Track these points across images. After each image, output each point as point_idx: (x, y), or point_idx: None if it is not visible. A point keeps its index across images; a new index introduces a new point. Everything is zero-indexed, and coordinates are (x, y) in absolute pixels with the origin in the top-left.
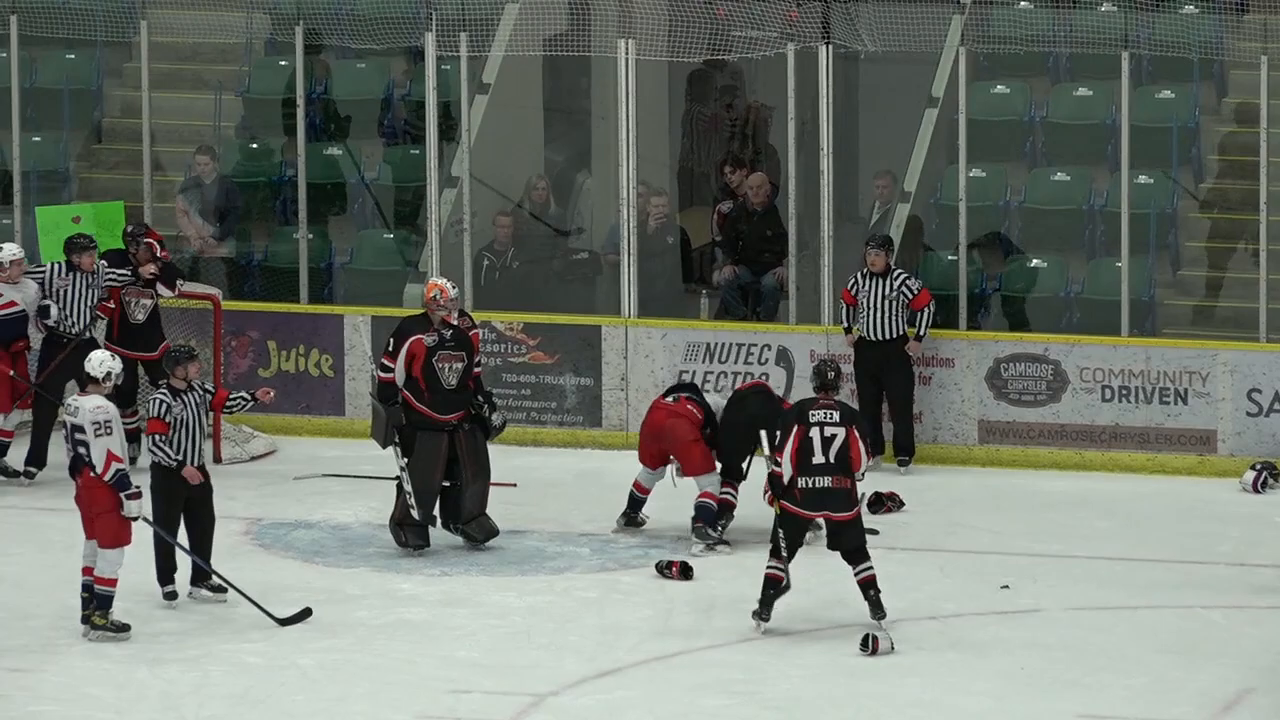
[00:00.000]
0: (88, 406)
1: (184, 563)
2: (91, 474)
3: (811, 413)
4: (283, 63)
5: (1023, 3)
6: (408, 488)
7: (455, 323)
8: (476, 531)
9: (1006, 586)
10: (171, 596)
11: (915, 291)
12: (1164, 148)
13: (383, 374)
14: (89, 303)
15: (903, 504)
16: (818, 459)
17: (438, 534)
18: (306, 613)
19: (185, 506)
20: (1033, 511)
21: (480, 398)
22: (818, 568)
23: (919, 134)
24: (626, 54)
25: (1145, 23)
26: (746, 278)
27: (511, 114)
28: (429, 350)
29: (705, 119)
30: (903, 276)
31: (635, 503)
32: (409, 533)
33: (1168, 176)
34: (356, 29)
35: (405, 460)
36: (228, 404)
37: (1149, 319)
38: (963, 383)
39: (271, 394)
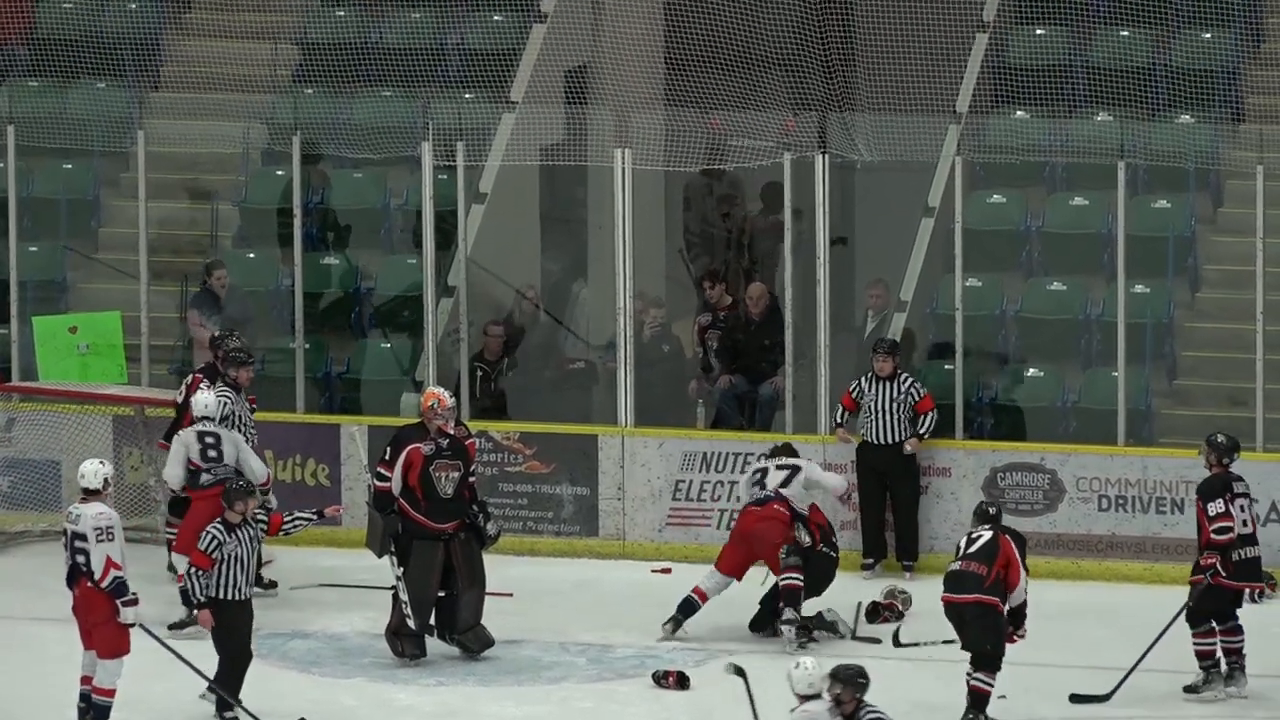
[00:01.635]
0: (90, 514)
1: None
2: (89, 583)
3: (970, 533)
4: (280, 172)
5: (1019, 112)
6: (404, 597)
7: (452, 432)
8: (472, 641)
9: (1003, 697)
10: None
11: (921, 395)
12: (1160, 257)
13: (379, 483)
14: (248, 419)
15: (901, 614)
16: (959, 554)
17: (434, 644)
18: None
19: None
20: (1029, 621)
21: (475, 507)
22: None
23: (915, 243)
24: (623, 164)
25: (1141, 132)
26: (743, 387)
27: (508, 223)
28: (426, 459)
29: (717, 230)
30: (910, 380)
31: (690, 608)
32: (405, 642)
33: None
34: (353, 139)
35: (401, 570)
36: (284, 527)
37: (1146, 428)
38: (959, 492)
39: (340, 510)
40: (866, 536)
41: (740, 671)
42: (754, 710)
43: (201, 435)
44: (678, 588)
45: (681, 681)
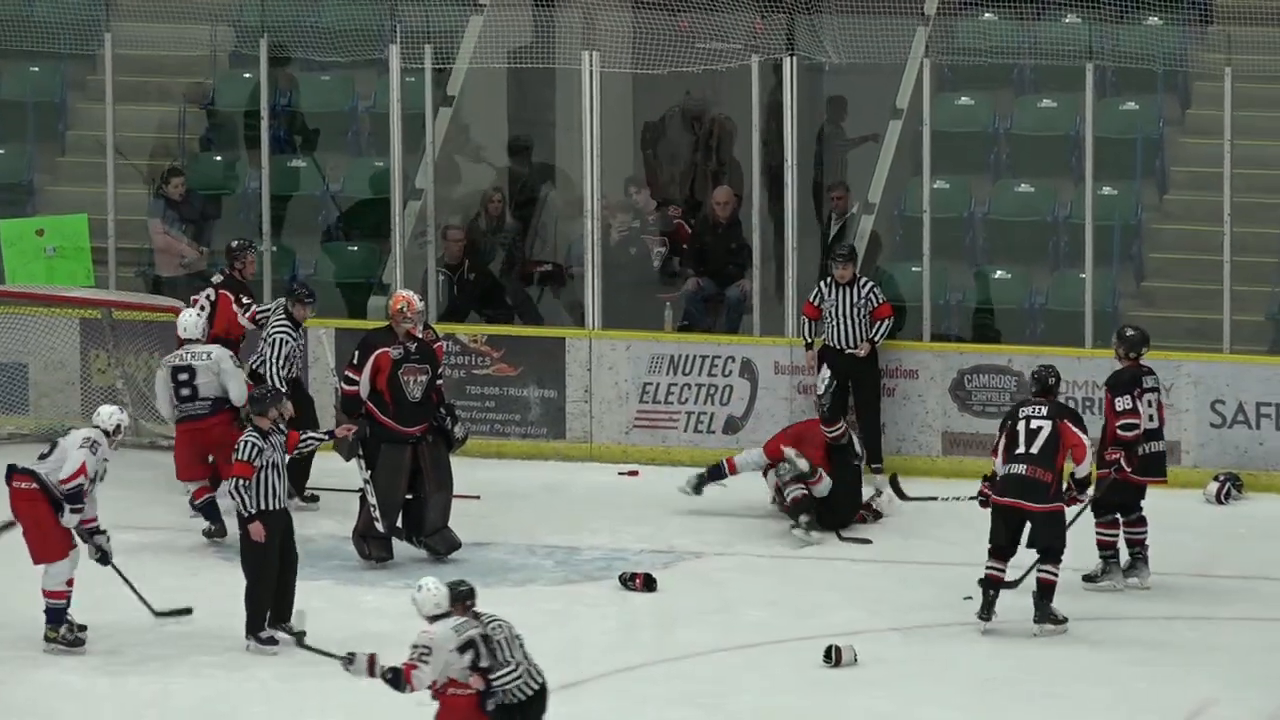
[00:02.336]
0: (82, 432)
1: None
2: (19, 484)
3: (1021, 409)
4: (247, 75)
5: (987, 14)
6: (371, 500)
7: (420, 335)
8: (439, 544)
9: (970, 598)
10: (270, 642)
11: (880, 301)
12: (1128, 159)
13: (347, 386)
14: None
15: (879, 514)
16: (1020, 449)
17: (401, 547)
18: (187, 611)
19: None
20: None
21: (443, 410)
22: (784, 578)
23: (883, 145)
24: (591, 66)
25: (1109, 34)
26: (711, 290)
27: (476, 126)
28: (394, 363)
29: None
30: (870, 284)
31: (717, 474)
32: (372, 545)
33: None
34: (321, 41)
35: (369, 472)
36: (300, 445)
37: (1113, 331)
38: (926, 394)
39: (353, 430)
40: None
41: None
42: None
43: (175, 373)
44: (645, 490)
45: (649, 584)
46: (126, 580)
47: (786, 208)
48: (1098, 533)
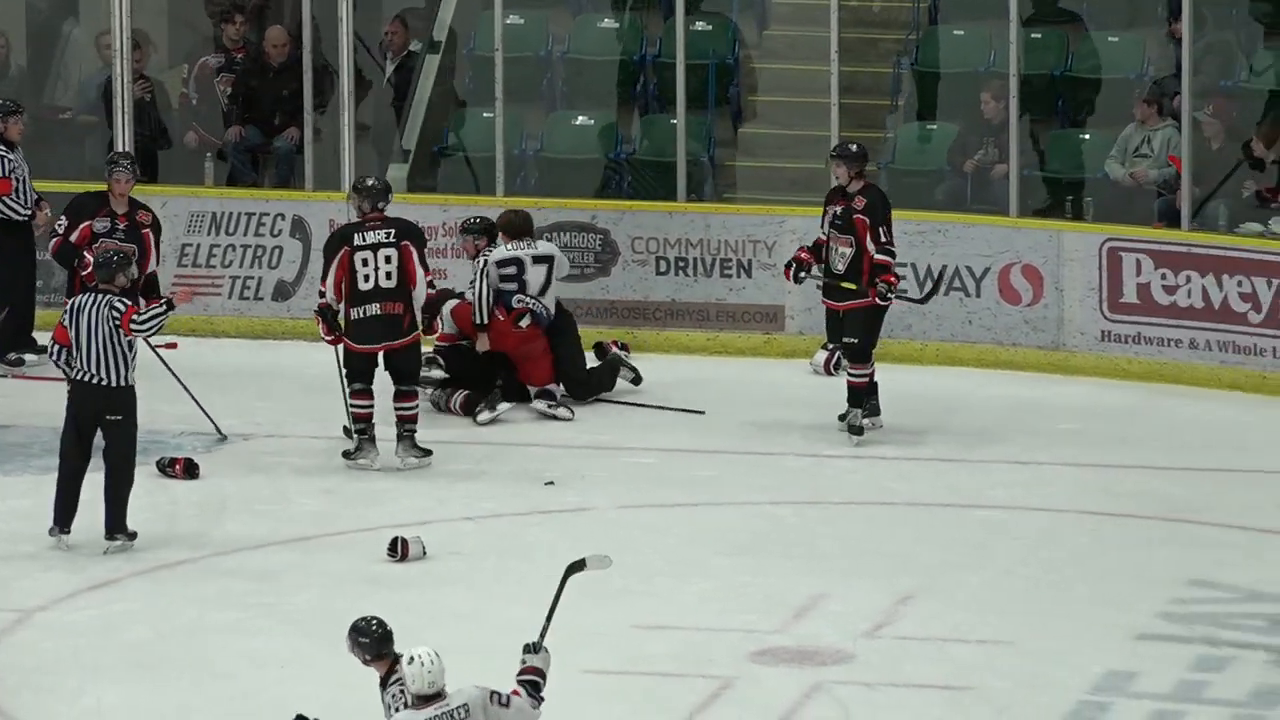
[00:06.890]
0: None
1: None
2: None
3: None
4: None
5: None
6: None
7: None
8: None
9: (551, 483)
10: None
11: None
12: None
13: None
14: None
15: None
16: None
17: None
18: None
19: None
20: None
21: None
22: (341, 463)
23: None
24: None
25: None
26: (256, 139)
27: None
28: None
29: None
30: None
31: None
32: None
33: None
34: None
35: None
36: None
37: (708, 182)
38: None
39: (190, 293)
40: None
41: None
42: None
43: None
44: (185, 364)
45: (190, 470)
46: None
47: (340, 46)
48: (353, 405)
